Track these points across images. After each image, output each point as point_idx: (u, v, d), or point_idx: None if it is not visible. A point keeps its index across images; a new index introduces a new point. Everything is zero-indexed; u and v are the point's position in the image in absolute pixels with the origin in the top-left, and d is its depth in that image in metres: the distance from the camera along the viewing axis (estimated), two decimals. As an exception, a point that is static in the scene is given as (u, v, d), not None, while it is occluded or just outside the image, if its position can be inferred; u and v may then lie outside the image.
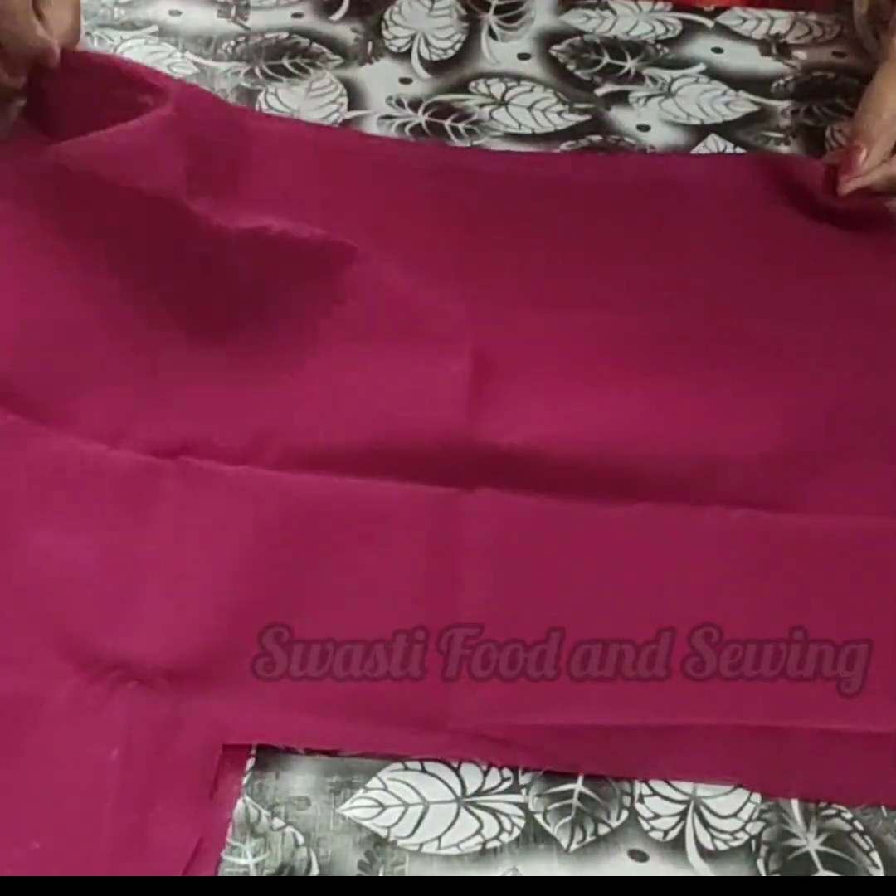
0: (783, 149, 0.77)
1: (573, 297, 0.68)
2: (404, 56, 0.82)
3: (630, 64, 0.82)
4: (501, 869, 0.50)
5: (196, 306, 0.65)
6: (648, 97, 0.80)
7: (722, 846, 0.51)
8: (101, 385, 0.62)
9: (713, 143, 0.77)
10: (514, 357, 0.65)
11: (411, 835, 0.51)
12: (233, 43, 0.81)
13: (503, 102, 0.79)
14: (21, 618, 0.55)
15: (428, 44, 0.82)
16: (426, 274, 0.68)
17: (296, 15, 0.83)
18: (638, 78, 0.81)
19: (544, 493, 0.60)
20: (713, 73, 0.82)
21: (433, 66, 0.81)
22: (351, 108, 0.78)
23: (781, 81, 0.82)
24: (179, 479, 0.60)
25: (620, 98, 0.80)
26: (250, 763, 0.52)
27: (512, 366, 0.65)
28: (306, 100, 0.78)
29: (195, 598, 0.56)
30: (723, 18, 0.85)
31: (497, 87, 0.80)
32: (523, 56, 0.82)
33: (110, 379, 0.62)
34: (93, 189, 0.64)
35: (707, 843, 0.51)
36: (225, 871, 0.49)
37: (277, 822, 0.51)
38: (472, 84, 0.80)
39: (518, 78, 0.81)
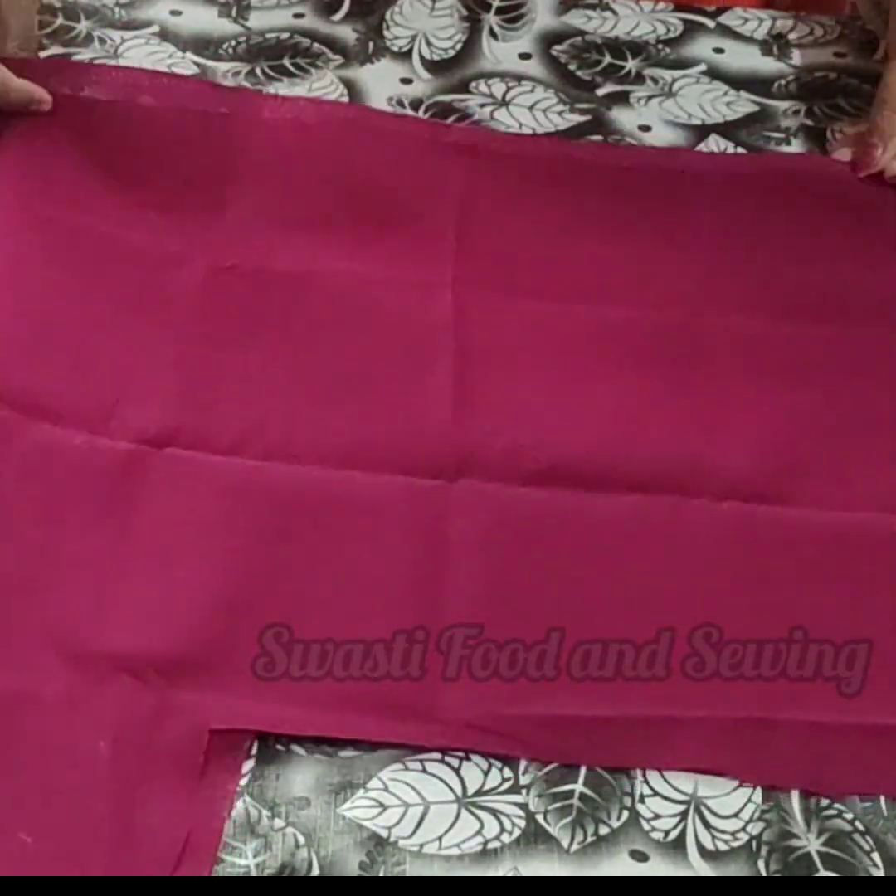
0: (784, 149, 0.77)
1: (565, 286, 0.68)
2: (405, 56, 0.81)
3: (631, 64, 0.82)
4: (502, 869, 0.50)
5: (179, 299, 0.66)
6: (649, 97, 0.80)
7: (723, 846, 0.51)
8: (85, 377, 0.62)
9: (714, 143, 0.77)
10: (502, 348, 0.65)
11: (412, 835, 0.51)
12: (233, 43, 0.81)
13: (504, 102, 0.79)
14: (9, 613, 0.55)
15: (429, 44, 0.82)
16: (420, 251, 0.68)
17: (297, 15, 0.83)
18: (639, 78, 0.81)
19: (531, 487, 0.60)
20: (714, 73, 0.82)
21: (434, 66, 0.81)
22: (352, 108, 0.78)
23: (782, 81, 0.82)
24: (166, 470, 0.60)
25: (621, 98, 0.80)
26: (250, 763, 0.52)
27: (498, 358, 0.65)
28: (307, 100, 0.78)
29: (183, 589, 0.56)
30: (724, 19, 0.85)
31: (498, 87, 0.80)
32: (524, 56, 0.82)
33: (95, 371, 0.63)
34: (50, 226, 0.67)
35: (708, 843, 0.51)
36: (225, 871, 0.49)
37: (278, 823, 0.51)
38: (473, 84, 0.80)
39: (519, 78, 0.81)
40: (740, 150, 0.77)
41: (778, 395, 0.64)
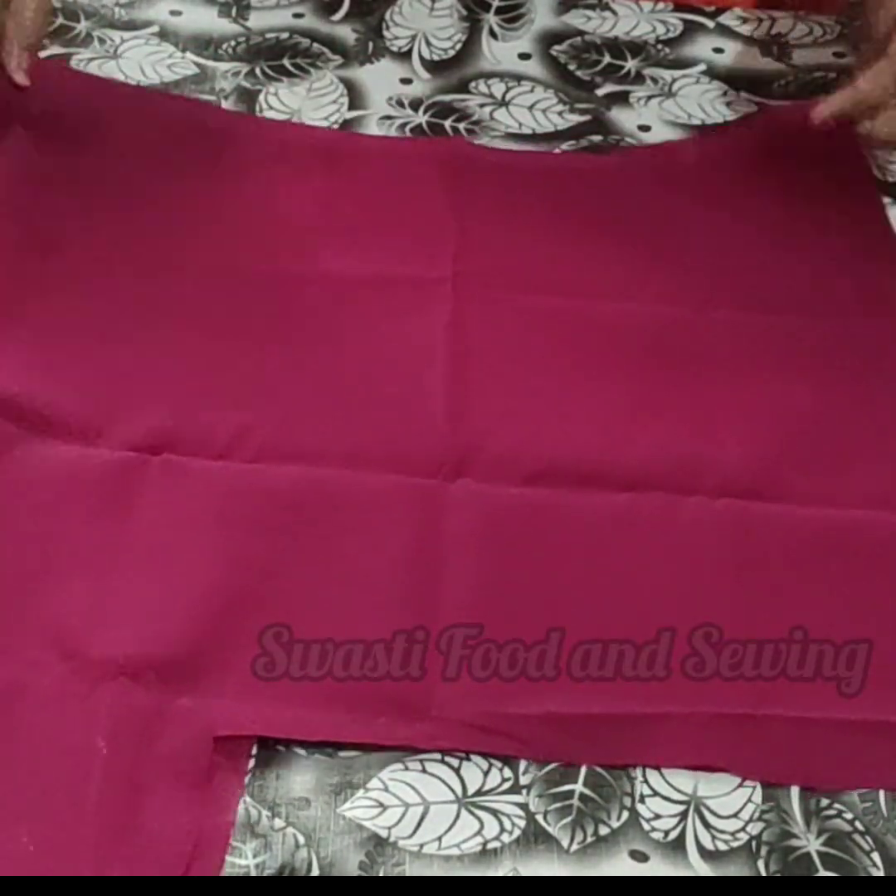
0: (784, 149, 0.77)
1: (563, 283, 0.69)
2: (405, 56, 0.82)
3: (631, 64, 0.82)
4: (502, 869, 0.50)
5: (175, 304, 0.66)
6: (649, 97, 0.80)
7: (722, 846, 0.51)
8: (80, 386, 0.62)
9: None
10: (499, 346, 0.65)
11: (412, 835, 0.51)
12: (233, 43, 0.81)
13: (504, 102, 0.79)
14: (8, 614, 0.55)
15: (428, 44, 0.82)
16: (420, 249, 0.69)
17: (296, 15, 0.83)
18: (638, 78, 0.81)
19: (529, 486, 0.60)
20: (714, 74, 0.82)
21: (434, 67, 0.81)
22: (351, 108, 0.78)
23: (782, 81, 0.82)
24: (161, 475, 0.60)
25: (621, 98, 0.80)
26: (250, 763, 0.52)
27: (496, 356, 0.65)
28: (307, 100, 0.78)
29: (181, 591, 0.56)
30: (723, 19, 0.85)
31: (498, 88, 0.80)
32: (524, 56, 0.82)
33: (90, 379, 0.63)
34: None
35: (708, 843, 0.51)
36: (225, 871, 0.49)
37: (278, 823, 0.51)
38: (473, 84, 0.80)
39: (519, 78, 0.81)
40: (740, 150, 0.77)
41: (774, 392, 0.64)
